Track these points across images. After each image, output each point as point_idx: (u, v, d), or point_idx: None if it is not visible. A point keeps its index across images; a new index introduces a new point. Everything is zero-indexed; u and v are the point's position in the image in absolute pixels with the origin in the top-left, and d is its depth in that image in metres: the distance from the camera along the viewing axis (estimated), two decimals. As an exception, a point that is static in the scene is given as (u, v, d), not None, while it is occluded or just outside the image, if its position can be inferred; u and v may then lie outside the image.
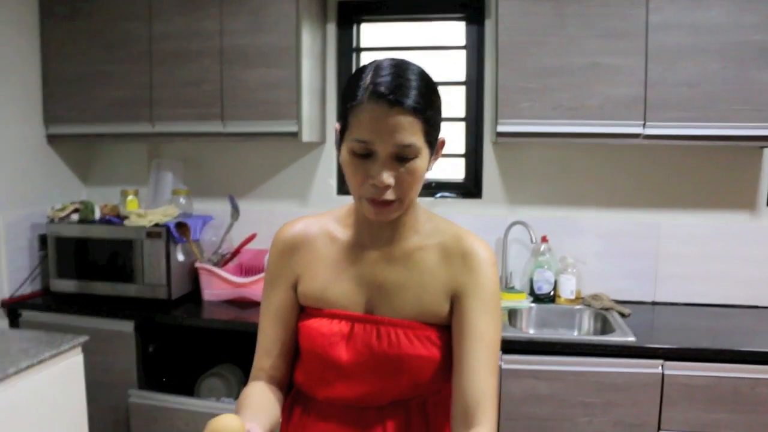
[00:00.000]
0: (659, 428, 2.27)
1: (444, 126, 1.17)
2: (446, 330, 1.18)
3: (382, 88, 1.04)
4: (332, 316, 1.18)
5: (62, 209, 2.87)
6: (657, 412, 2.26)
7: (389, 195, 1.08)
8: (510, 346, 2.26)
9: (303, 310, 1.24)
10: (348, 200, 1.21)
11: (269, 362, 1.24)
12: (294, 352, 1.26)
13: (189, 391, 2.64)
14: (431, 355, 1.15)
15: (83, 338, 2.25)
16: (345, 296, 1.19)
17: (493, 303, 1.16)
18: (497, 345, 1.16)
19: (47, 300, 2.80)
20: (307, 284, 1.21)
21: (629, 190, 2.84)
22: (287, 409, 1.28)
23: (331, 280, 1.20)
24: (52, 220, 2.84)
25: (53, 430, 2.14)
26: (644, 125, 2.47)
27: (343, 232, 1.22)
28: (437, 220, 1.23)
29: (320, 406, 1.22)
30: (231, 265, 2.86)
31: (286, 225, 1.26)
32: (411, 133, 1.05)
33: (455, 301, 1.17)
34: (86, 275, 2.79)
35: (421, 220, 1.21)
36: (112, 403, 2.67)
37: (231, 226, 2.94)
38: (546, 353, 2.29)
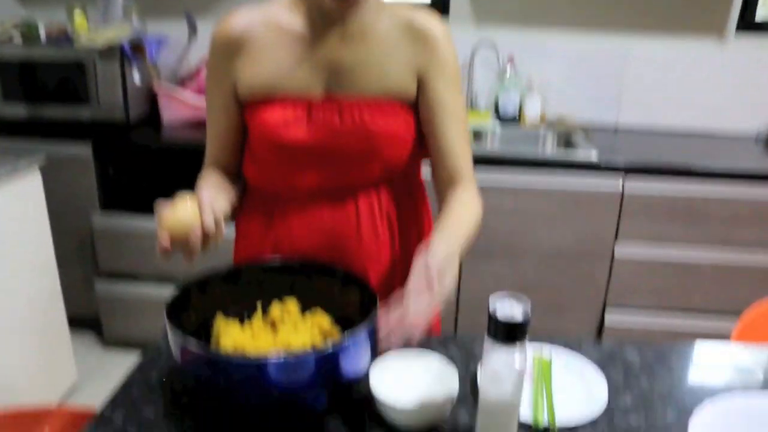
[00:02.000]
0: (616, 241, 2.36)
1: None
2: (412, 108, 1.16)
3: None
4: (285, 101, 1.12)
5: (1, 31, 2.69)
6: (615, 226, 2.34)
7: None
8: (475, 161, 2.26)
9: (251, 104, 1.16)
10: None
11: (219, 155, 1.22)
12: (243, 146, 1.22)
13: (153, 210, 2.63)
14: (399, 131, 1.13)
15: (40, 158, 2.19)
16: (298, 83, 1.12)
17: (457, 77, 1.17)
18: (466, 116, 1.21)
19: (-4, 125, 2.68)
20: (252, 80, 1.13)
21: (599, 10, 2.77)
22: (246, 216, 1.26)
23: (280, 70, 1.12)
24: (-9, 43, 2.67)
25: (19, 253, 2.14)
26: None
27: (291, 19, 1.13)
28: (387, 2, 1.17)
29: (285, 203, 1.19)
30: (190, 86, 2.76)
31: (224, 20, 1.16)
32: None
33: (421, 82, 1.14)
34: (36, 99, 2.66)
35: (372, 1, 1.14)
36: (76, 227, 2.65)
37: (188, 47, 2.81)
38: (511, 169, 2.31)
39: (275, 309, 1.07)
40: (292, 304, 1.08)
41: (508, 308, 0.82)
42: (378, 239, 1.19)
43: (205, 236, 0.96)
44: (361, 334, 0.89)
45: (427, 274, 0.94)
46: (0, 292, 2.04)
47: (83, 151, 2.55)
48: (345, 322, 1.05)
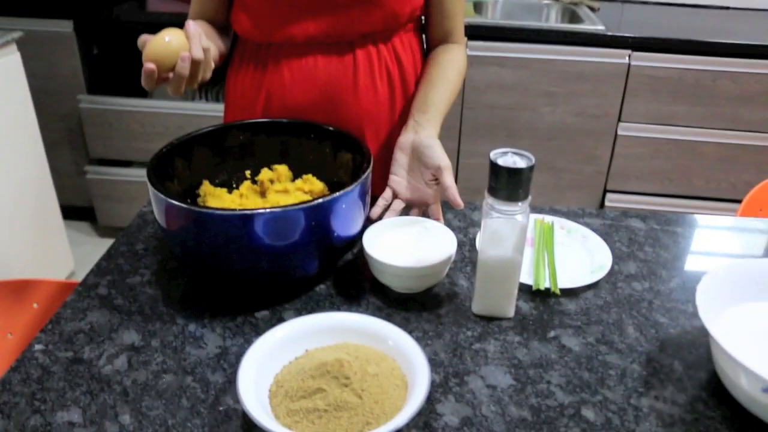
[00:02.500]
0: (619, 119, 2.29)
1: None
2: None
3: None
4: None
5: None
6: (619, 104, 2.26)
7: None
8: (475, 32, 2.16)
9: None
10: None
11: (205, 7, 1.14)
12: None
13: (142, 93, 2.54)
14: None
15: (16, 33, 2.08)
16: None
17: None
18: None
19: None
20: None
21: None
22: (236, 70, 1.18)
23: None
24: None
25: (4, 137, 2.06)
26: None
27: None
28: None
29: (279, 49, 1.11)
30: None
31: None
32: None
33: None
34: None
35: None
36: (62, 111, 2.56)
37: None
38: (513, 40, 2.20)
39: (265, 174, 1.02)
40: (282, 168, 1.02)
41: (511, 162, 0.77)
42: (377, 96, 1.12)
43: (194, 64, 0.87)
44: (353, 192, 0.84)
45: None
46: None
47: (64, 28, 2.42)
48: (339, 186, 1.00)
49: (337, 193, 0.81)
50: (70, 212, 2.72)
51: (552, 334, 0.83)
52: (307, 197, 0.98)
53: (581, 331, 0.84)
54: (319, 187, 1.00)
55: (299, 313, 0.86)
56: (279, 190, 0.99)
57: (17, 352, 1.04)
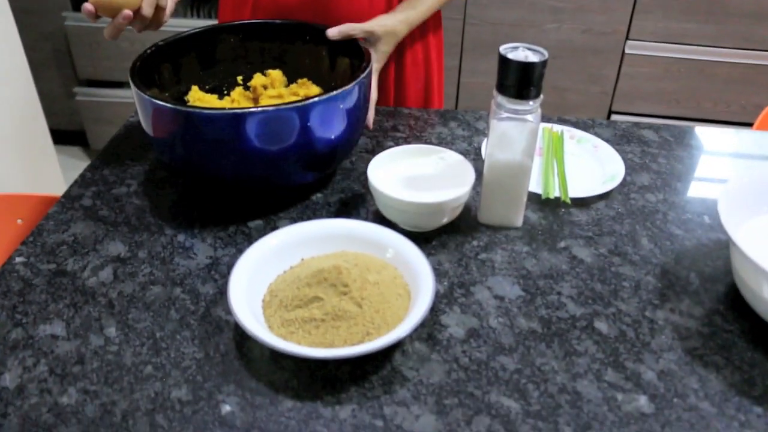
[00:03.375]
0: (627, 37, 2.19)
1: None
2: None
3: None
4: None
5: None
6: (628, 20, 2.16)
7: None
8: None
9: None
10: None
11: None
12: None
13: (128, 12, 2.43)
14: None
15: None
16: None
17: None
18: None
19: None
20: None
21: None
22: None
23: None
24: None
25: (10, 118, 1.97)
26: None
27: None
28: None
29: None
30: None
31: None
32: None
33: None
34: None
35: None
36: (48, 30, 2.46)
37: None
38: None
39: (258, 79, 0.95)
40: (276, 73, 0.95)
41: (522, 56, 0.70)
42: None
43: (143, 18, 0.82)
44: (351, 91, 0.77)
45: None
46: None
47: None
48: None
49: (334, 93, 0.75)
50: (61, 137, 2.64)
51: (562, 244, 0.79)
52: None
53: (593, 242, 0.79)
54: (315, 92, 0.94)
55: (294, 221, 0.81)
56: (272, 96, 0.92)
57: (1, 269, 1.00)
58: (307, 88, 0.93)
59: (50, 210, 0.85)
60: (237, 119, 0.71)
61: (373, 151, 0.96)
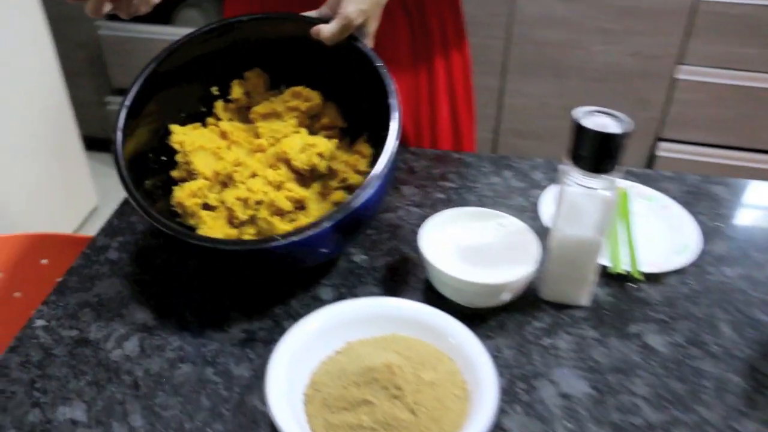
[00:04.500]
0: (680, 61, 2.09)
1: None
2: None
3: None
4: None
5: None
6: (678, 44, 2.06)
7: None
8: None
9: None
10: None
11: None
12: None
13: (163, 19, 2.38)
14: None
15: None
16: None
17: None
18: None
19: None
20: None
21: None
22: None
23: None
24: None
25: (21, 70, 1.94)
26: None
27: None
28: None
29: None
30: None
31: None
32: None
33: None
34: None
35: None
36: (82, 38, 2.42)
37: None
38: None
39: (236, 89, 0.83)
40: (253, 75, 0.84)
41: (600, 124, 0.63)
42: None
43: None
44: (386, 164, 0.68)
45: None
46: (8, 114, 1.87)
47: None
48: (341, 88, 0.82)
49: (365, 193, 0.65)
50: (92, 144, 2.60)
51: (633, 329, 0.71)
52: (303, 118, 0.82)
53: (667, 327, 0.71)
54: (317, 100, 0.82)
55: (337, 290, 0.75)
56: (265, 112, 0.82)
57: (24, 314, 0.94)
58: (306, 97, 0.82)
59: (74, 263, 0.80)
60: (257, 253, 0.66)
61: (421, 205, 0.89)
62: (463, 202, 0.89)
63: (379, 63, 0.73)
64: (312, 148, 0.76)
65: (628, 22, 2.03)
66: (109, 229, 0.85)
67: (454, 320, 0.64)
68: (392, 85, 0.71)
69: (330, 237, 0.67)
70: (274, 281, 0.76)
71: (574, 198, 0.66)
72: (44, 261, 1.00)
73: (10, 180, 1.90)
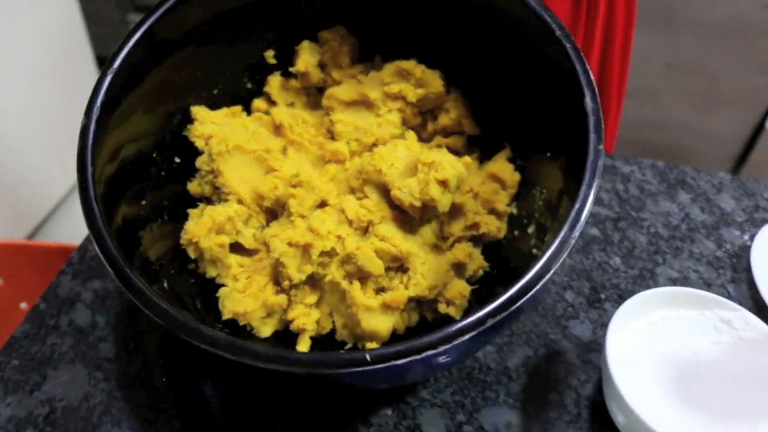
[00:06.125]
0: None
1: None
2: None
3: None
4: None
5: None
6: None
7: None
8: None
9: None
10: None
11: None
12: None
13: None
14: None
15: None
16: None
17: None
18: None
19: None
20: None
21: None
22: None
23: None
24: None
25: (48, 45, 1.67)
26: None
27: None
28: None
29: None
30: None
31: None
32: None
33: None
34: None
35: None
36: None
37: None
38: None
39: (303, 58, 0.53)
40: (334, 37, 0.53)
41: None
42: None
43: None
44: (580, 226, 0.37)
45: None
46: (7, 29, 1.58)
47: None
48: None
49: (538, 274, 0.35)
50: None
51: None
52: (412, 114, 0.51)
53: None
54: (436, 87, 0.51)
55: (448, 411, 0.46)
56: (351, 102, 0.51)
57: None
58: (420, 84, 0.51)
59: (16, 331, 0.51)
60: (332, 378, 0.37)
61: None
62: (629, 247, 0.59)
63: (561, 31, 0.41)
64: (429, 168, 0.45)
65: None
66: (77, 267, 0.56)
67: None
68: (588, 75, 0.40)
69: (461, 346, 0.37)
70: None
71: None
72: None
73: (11, 107, 1.62)
